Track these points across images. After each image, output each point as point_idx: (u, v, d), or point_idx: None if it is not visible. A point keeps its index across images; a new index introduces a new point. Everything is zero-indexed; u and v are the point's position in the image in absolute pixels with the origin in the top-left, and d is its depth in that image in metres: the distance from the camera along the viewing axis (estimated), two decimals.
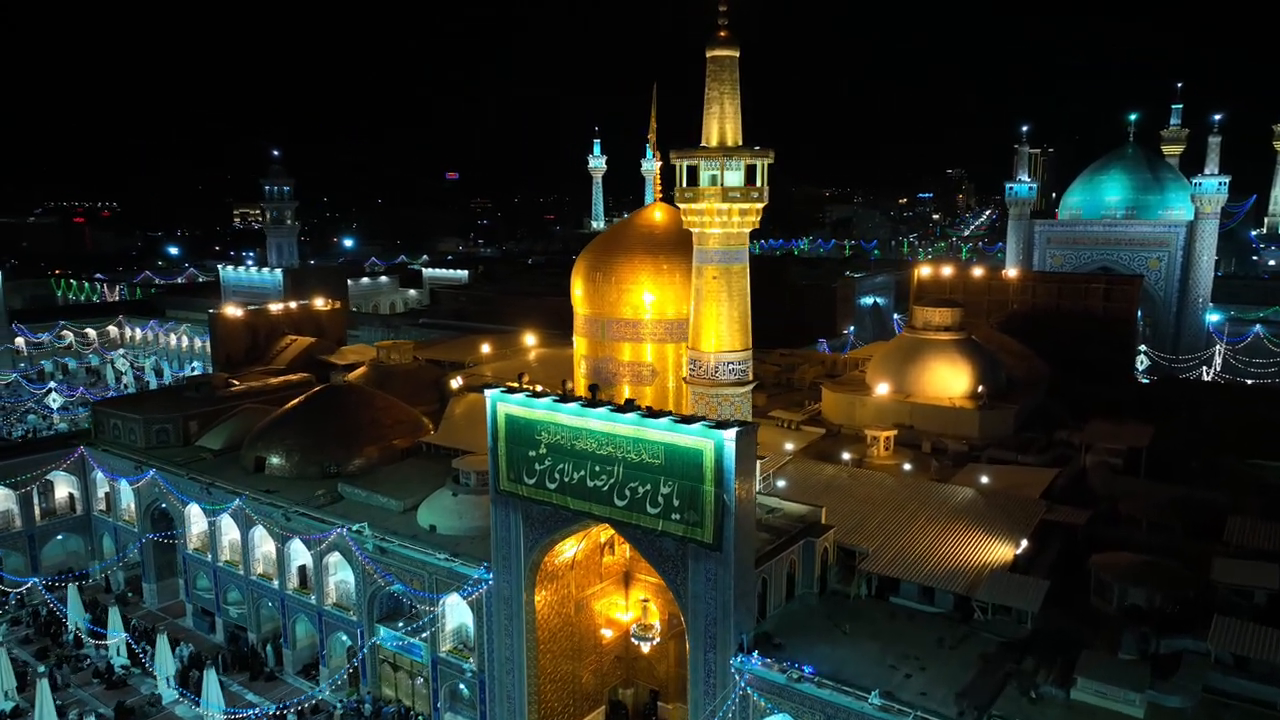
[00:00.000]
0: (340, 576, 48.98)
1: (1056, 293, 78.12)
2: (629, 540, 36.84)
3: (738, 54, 41.26)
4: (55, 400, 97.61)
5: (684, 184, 41.65)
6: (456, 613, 44.19)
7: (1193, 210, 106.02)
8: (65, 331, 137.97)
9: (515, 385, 39.84)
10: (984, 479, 46.38)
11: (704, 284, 42.23)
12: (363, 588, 46.84)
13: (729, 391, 42.45)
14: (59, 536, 63.78)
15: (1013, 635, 34.16)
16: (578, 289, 58.85)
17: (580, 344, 59.96)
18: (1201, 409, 61.45)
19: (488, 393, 39.45)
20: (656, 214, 56.05)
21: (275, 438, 57.40)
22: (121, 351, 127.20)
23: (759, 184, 41.93)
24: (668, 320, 53.25)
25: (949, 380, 56.79)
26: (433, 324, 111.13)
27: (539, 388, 40.29)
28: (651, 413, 34.52)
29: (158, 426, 62.43)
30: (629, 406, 35.42)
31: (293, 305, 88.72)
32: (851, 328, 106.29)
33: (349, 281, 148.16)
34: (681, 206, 42.04)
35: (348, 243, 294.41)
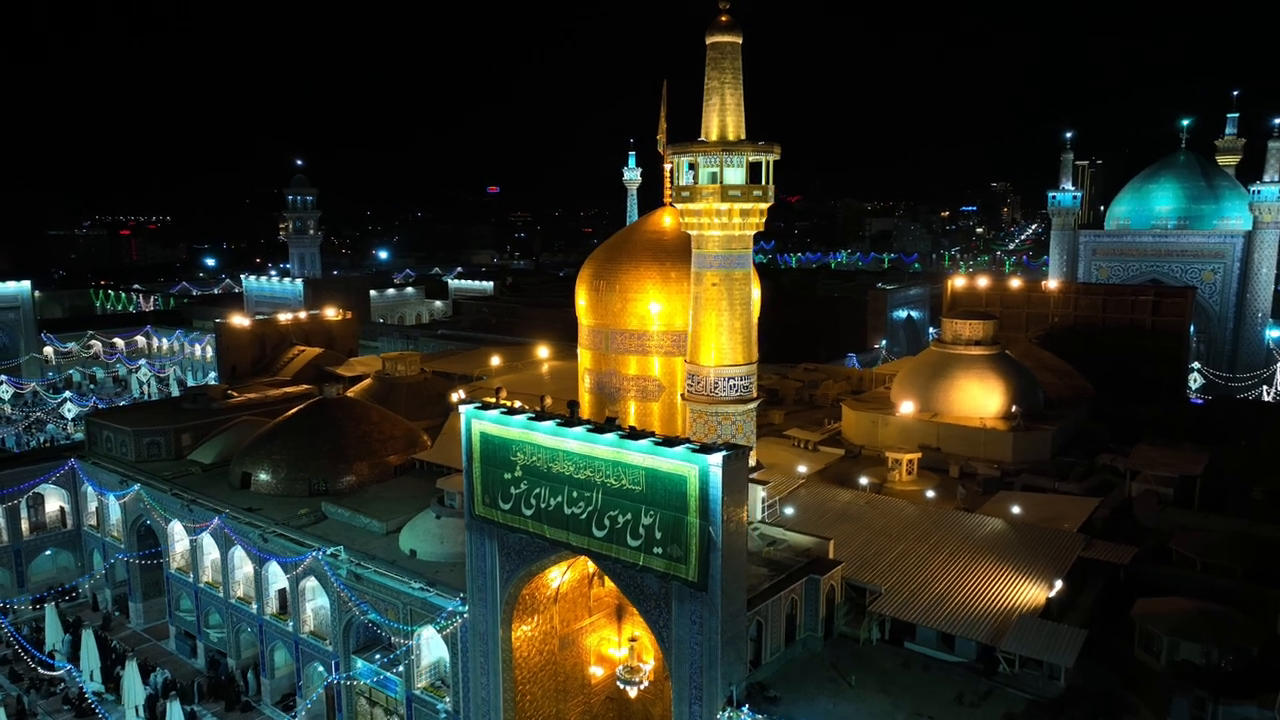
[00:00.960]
0: (318, 602, 45.97)
1: (1101, 305, 73.00)
2: (609, 575, 33.16)
3: (740, 40, 37.74)
4: (70, 410, 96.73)
5: (680, 182, 38.09)
6: (433, 647, 40.84)
7: (1250, 220, 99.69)
8: (94, 341, 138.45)
9: (491, 400, 36.51)
10: (1016, 509, 41.95)
11: (703, 291, 38.62)
12: (338, 616, 43.74)
13: (729, 410, 38.72)
14: (48, 551, 61.84)
15: (1043, 693, 29.83)
16: (581, 299, 55.55)
17: (584, 357, 56.59)
18: (1262, 433, 56.02)
19: (462, 409, 36.15)
20: (665, 219, 52.54)
21: (262, 453, 54.78)
22: (143, 361, 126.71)
23: (764, 182, 38.21)
24: (676, 332, 49.62)
25: (980, 399, 52.35)
26: (451, 335, 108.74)
27: (517, 403, 36.92)
28: (632, 433, 30.87)
29: (149, 439, 60.26)
30: (607, 426, 31.82)
31: (302, 315, 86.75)
32: (883, 342, 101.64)
33: (373, 293, 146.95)
34: (678, 207, 38.57)
35: (382, 254, 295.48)
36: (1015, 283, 77.97)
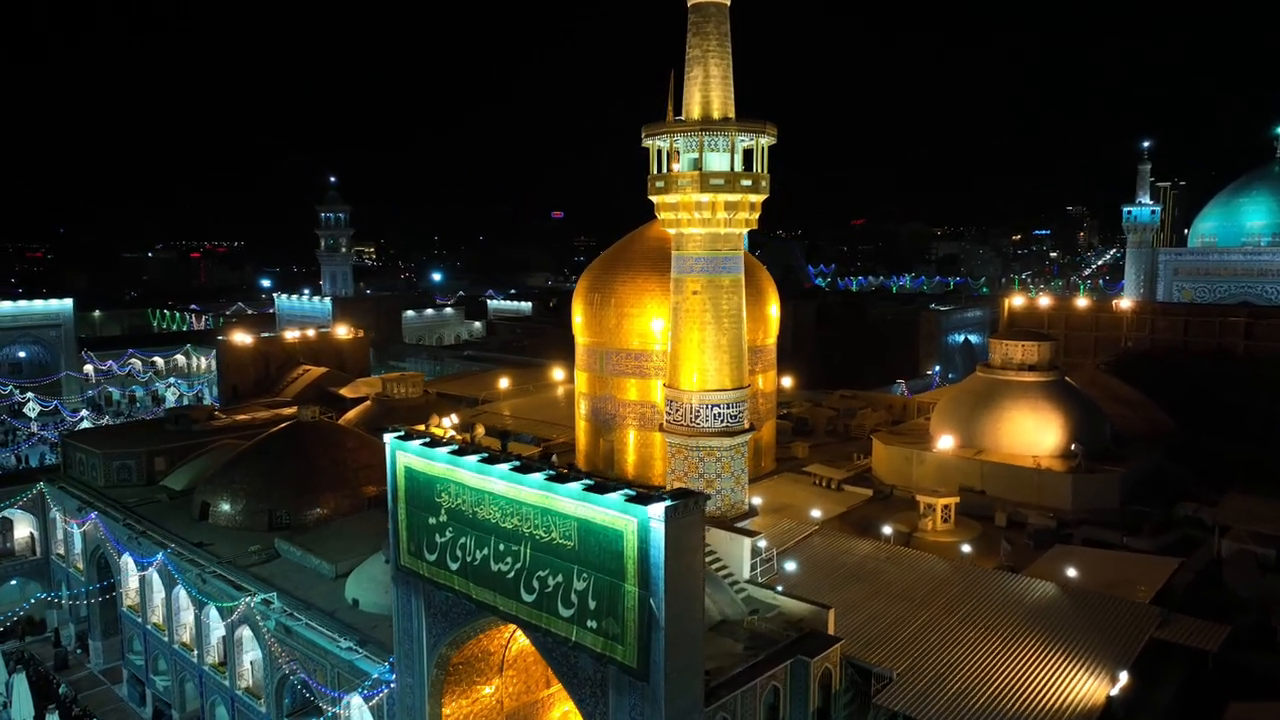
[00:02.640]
0: (256, 655, 40.47)
1: (1183, 327, 63.95)
2: (540, 650, 26.71)
3: (727, 1, 31.42)
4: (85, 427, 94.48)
5: (654, 170, 31.88)
6: (364, 718, 34.84)
7: None
8: (133, 359, 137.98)
9: (419, 429, 30.66)
10: (1073, 570, 34.18)
11: (683, 301, 32.19)
12: (270, 673, 38.15)
13: (714, 443, 32.08)
14: (13, 581, 58.00)
15: None
16: (577, 314, 49.75)
17: (581, 380, 50.62)
18: None
19: (386, 438, 30.31)
20: None
21: (224, 481, 49.96)
22: (172, 380, 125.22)
23: (758, 170, 31.73)
24: None
25: (1033, 433, 44.52)
26: (476, 356, 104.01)
27: (451, 433, 30.98)
28: (562, 474, 24.51)
29: (118, 462, 56.07)
30: (533, 465, 25.56)
31: (310, 333, 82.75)
32: (936, 368, 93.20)
33: (410, 313, 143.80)
34: (654, 200, 32.26)
35: (436, 276, 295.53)
36: (1082, 302, 69.33)
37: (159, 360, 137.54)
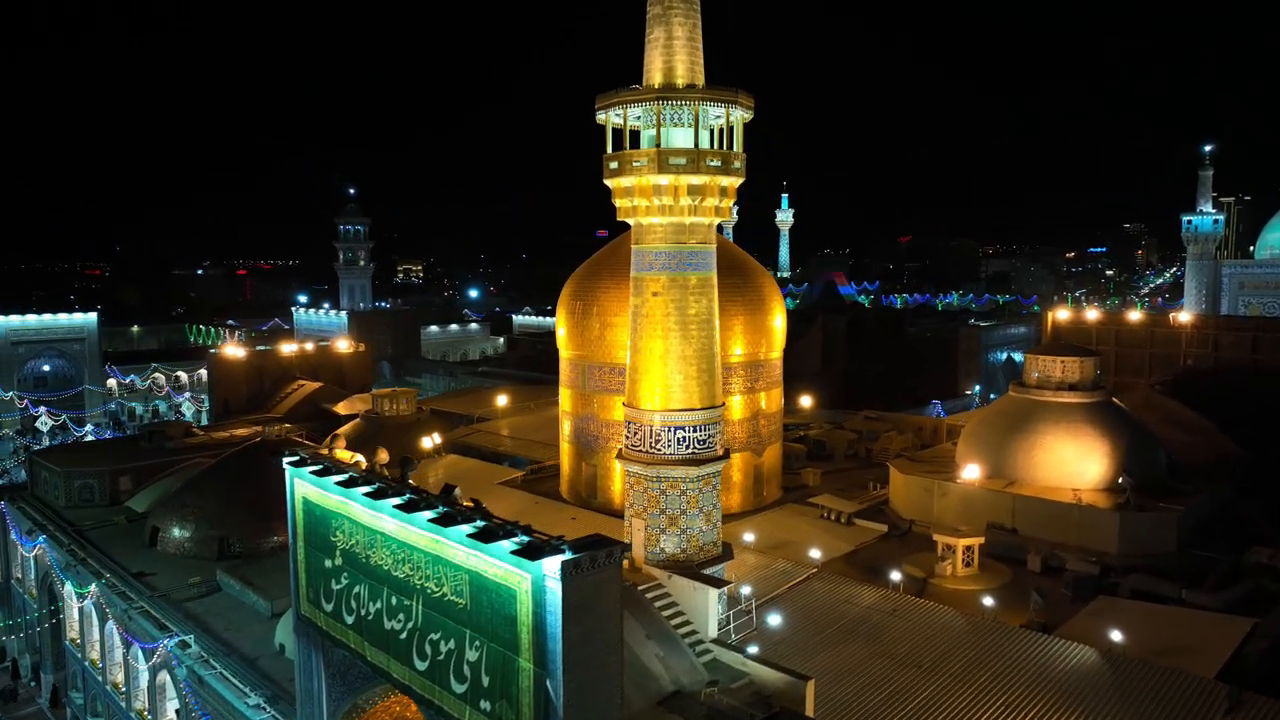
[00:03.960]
0: (179, 704, 36.09)
1: (1250, 344, 56.98)
2: None
3: None
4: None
5: (609, 149, 27.07)
6: None
7: None
8: (157, 374, 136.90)
9: (324, 452, 26.06)
10: (1118, 632, 28.19)
11: (642, 305, 27.18)
12: None
13: (677, 473, 26.91)
14: None
15: None
16: (560, 325, 45.13)
17: (564, 397, 45.83)
18: None
19: (286, 462, 25.76)
20: None
21: (176, 504, 46.02)
22: (189, 394, 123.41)
23: (727, 148, 26.70)
24: None
25: (1074, 462, 38.47)
26: (490, 372, 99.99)
27: (357, 458, 26.32)
28: (452, 514, 19.57)
29: (80, 482, 52.56)
30: (423, 501, 20.64)
31: (309, 347, 79.27)
32: (977, 388, 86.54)
33: (433, 328, 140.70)
34: (609, 184, 27.36)
35: (473, 293, 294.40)
36: (1135, 315, 62.58)
37: (182, 375, 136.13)
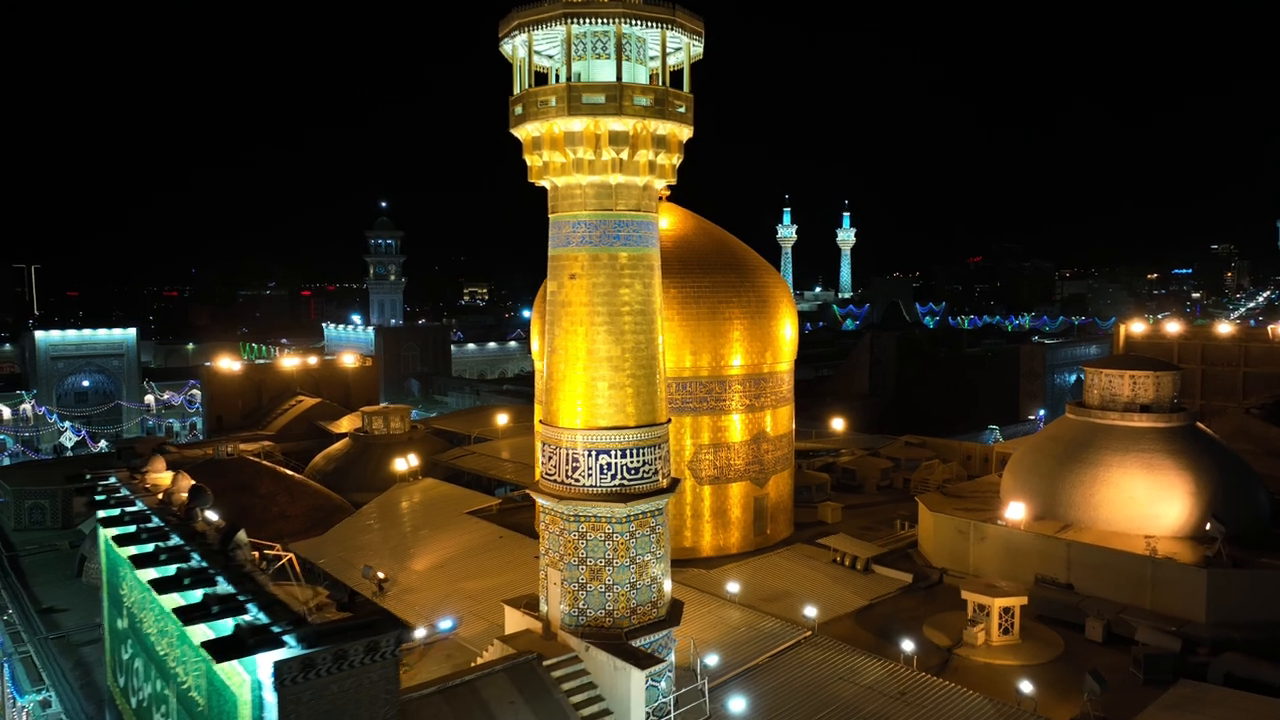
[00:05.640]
0: None
1: None
2: None
3: None
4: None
5: (518, 87, 21.05)
6: None
7: None
8: (195, 391, 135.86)
9: (139, 479, 20.39)
10: None
11: (558, 291, 20.97)
12: None
13: (599, 512, 20.53)
14: None
15: None
16: (534, 335, 39.20)
17: (540, 416, 39.64)
18: None
19: (88, 498, 20.18)
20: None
21: None
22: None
23: (664, 84, 20.45)
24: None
25: (1147, 503, 30.75)
26: (515, 390, 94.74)
27: (171, 487, 20.54)
28: (181, 574, 13.54)
29: (31, 502, 48.63)
30: (173, 554, 14.68)
31: (312, 361, 75.09)
32: (1041, 412, 77.66)
33: (470, 345, 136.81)
34: (515, 134, 21.28)
35: (526, 313, 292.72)
36: (1225, 328, 53.68)
37: None
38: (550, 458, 21.40)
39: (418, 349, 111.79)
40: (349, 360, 76.65)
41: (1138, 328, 54.73)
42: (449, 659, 26.30)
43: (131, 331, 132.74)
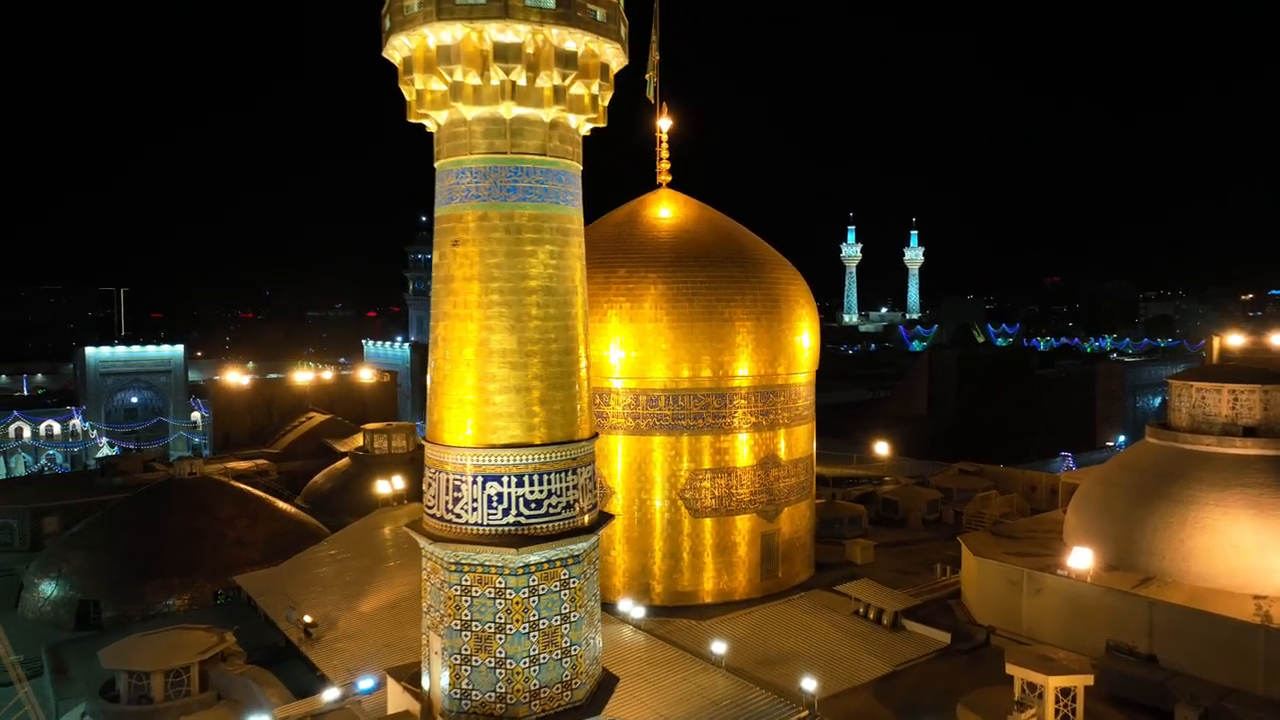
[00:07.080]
0: None
1: None
2: None
3: None
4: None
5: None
6: None
7: None
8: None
9: None
10: None
11: (440, 263, 15.76)
12: None
13: (486, 558, 15.09)
14: None
15: None
16: None
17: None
18: None
19: None
20: (647, 209, 31.15)
21: (50, 558, 37.56)
22: None
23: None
24: (651, 390, 27.63)
25: (1256, 553, 23.98)
26: None
27: None
28: None
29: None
30: None
31: (326, 376, 71.64)
32: (1120, 438, 69.42)
33: None
34: (387, 57, 16.23)
35: None
36: None
37: None
38: (430, 484, 16.16)
39: None
40: (366, 376, 72.99)
41: (1235, 339, 46.94)
42: None
43: (179, 348, 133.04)
